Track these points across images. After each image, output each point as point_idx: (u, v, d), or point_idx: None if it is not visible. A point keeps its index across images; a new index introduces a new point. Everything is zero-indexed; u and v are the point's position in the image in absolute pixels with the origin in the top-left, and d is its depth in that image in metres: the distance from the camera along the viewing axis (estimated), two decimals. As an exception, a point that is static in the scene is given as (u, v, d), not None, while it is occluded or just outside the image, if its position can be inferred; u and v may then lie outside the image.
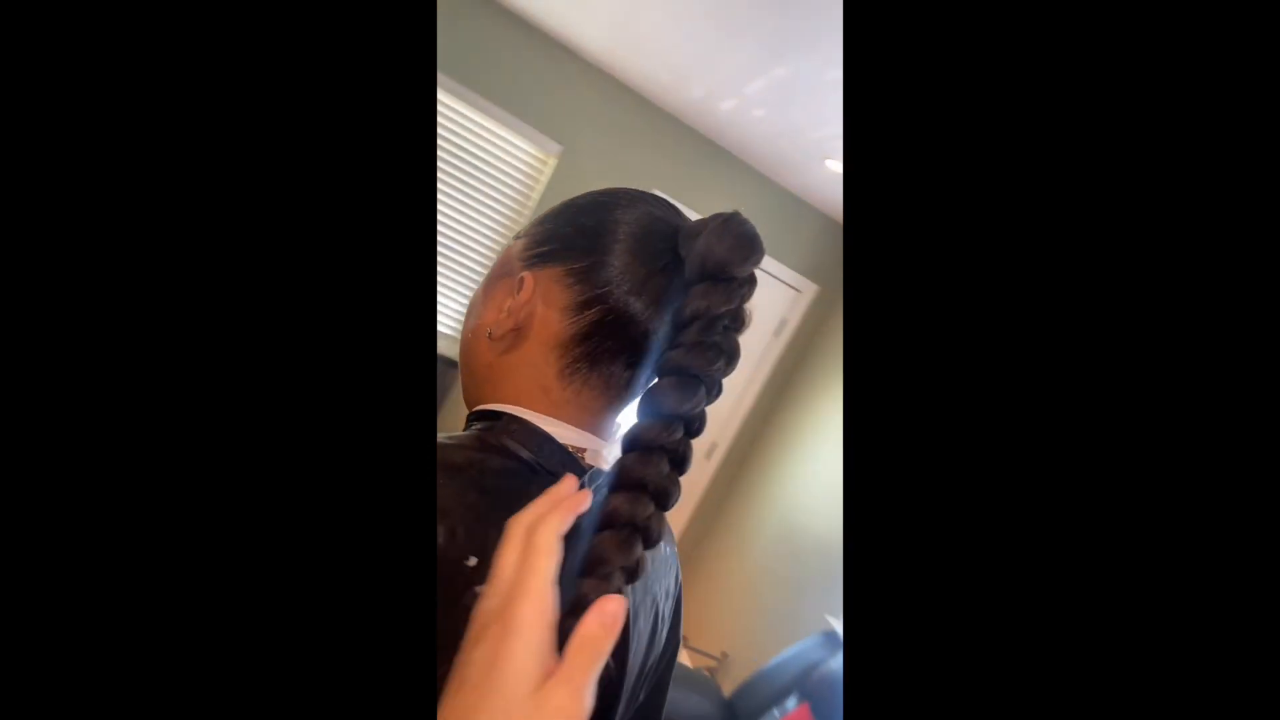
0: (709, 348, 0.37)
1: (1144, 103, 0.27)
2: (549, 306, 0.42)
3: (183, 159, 0.26)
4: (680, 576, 0.52)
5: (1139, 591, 0.26)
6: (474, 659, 0.28)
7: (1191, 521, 0.25)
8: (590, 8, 1.98)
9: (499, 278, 0.46)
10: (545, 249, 0.43)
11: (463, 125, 2.41)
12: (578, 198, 0.46)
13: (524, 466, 0.40)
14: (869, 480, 0.29)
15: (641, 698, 0.48)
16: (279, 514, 0.27)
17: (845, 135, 0.31)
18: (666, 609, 0.48)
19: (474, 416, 0.44)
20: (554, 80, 2.39)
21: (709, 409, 0.40)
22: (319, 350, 0.27)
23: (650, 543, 0.36)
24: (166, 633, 0.26)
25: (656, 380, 0.38)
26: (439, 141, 2.37)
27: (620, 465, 0.36)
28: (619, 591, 0.33)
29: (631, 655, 0.42)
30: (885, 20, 0.30)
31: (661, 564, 0.48)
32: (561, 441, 0.42)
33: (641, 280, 0.41)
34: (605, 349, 0.42)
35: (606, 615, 0.29)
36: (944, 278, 0.29)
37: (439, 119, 2.37)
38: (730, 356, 0.38)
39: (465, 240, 2.50)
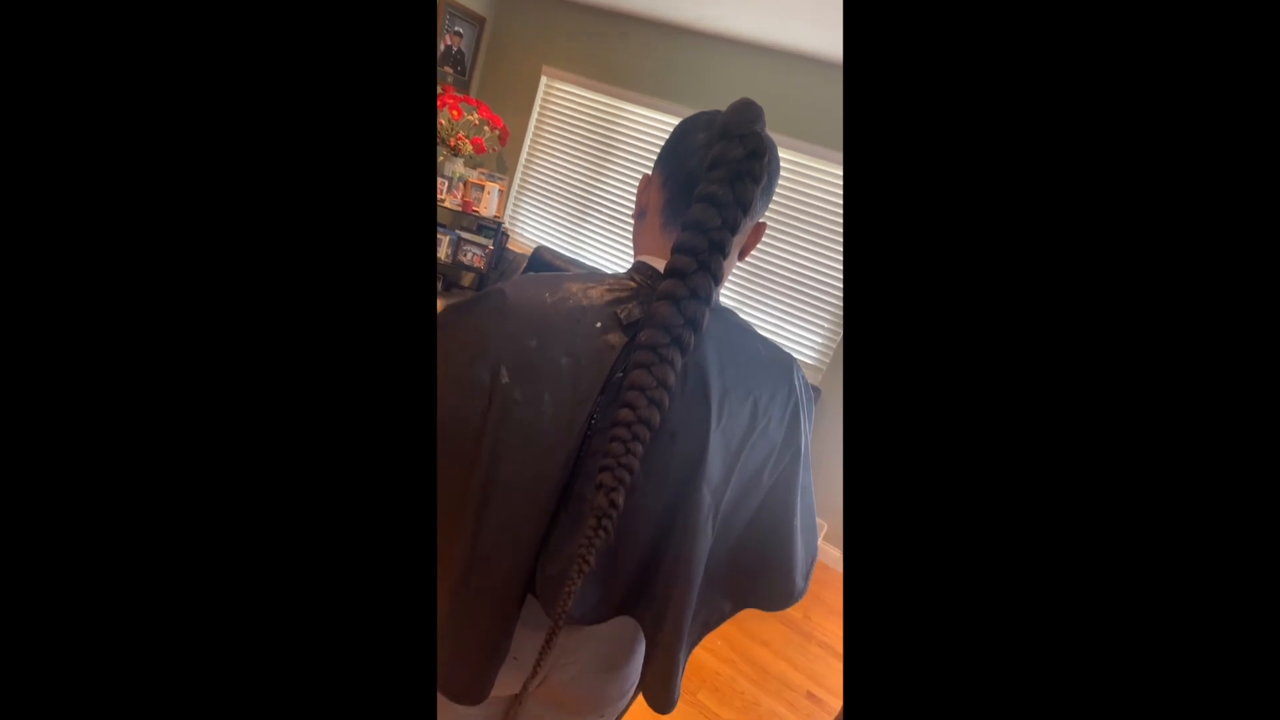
0: (721, 180, 0.57)
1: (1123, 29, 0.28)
2: (654, 189, 0.67)
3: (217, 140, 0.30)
4: (802, 398, 0.67)
5: (1137, 582, 0.27)
6: None
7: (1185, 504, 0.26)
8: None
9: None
10: (658, 156, 0.68)
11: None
12: None
13: (638, 289, 0.64)
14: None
15: (732, 494, 0.64)
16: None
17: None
18: (773, 408, 0.64)
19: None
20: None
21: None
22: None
23: (699, 300, 0.57)
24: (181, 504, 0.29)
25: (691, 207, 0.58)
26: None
27: (674, 248, 0.58)
28: (667, 333, 0.56)
29: (679, 416, 0.59)
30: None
31: (753, 362, 0.64)
32: (660, 270, 0.64)
33: (696, 159, 0.61)
34: (679, 207, 0.63)
35: None
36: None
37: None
38: (740, 196, 0.57)
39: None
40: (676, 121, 3.01)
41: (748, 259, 2.87)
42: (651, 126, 3.25)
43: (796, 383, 0.67)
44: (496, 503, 0.60)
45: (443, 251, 3.31)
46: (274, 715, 0.30)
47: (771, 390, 0.64)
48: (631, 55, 3.23)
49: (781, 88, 2.84)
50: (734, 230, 0.58)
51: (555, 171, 3.55)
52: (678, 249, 0.58)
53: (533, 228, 3.67)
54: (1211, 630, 0.26)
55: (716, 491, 0.62)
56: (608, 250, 3.44)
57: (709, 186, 0.57)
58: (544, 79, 3.49)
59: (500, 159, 3.61)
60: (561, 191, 3.55)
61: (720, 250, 0.58)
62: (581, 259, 3.46)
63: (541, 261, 3.34)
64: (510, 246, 3.59)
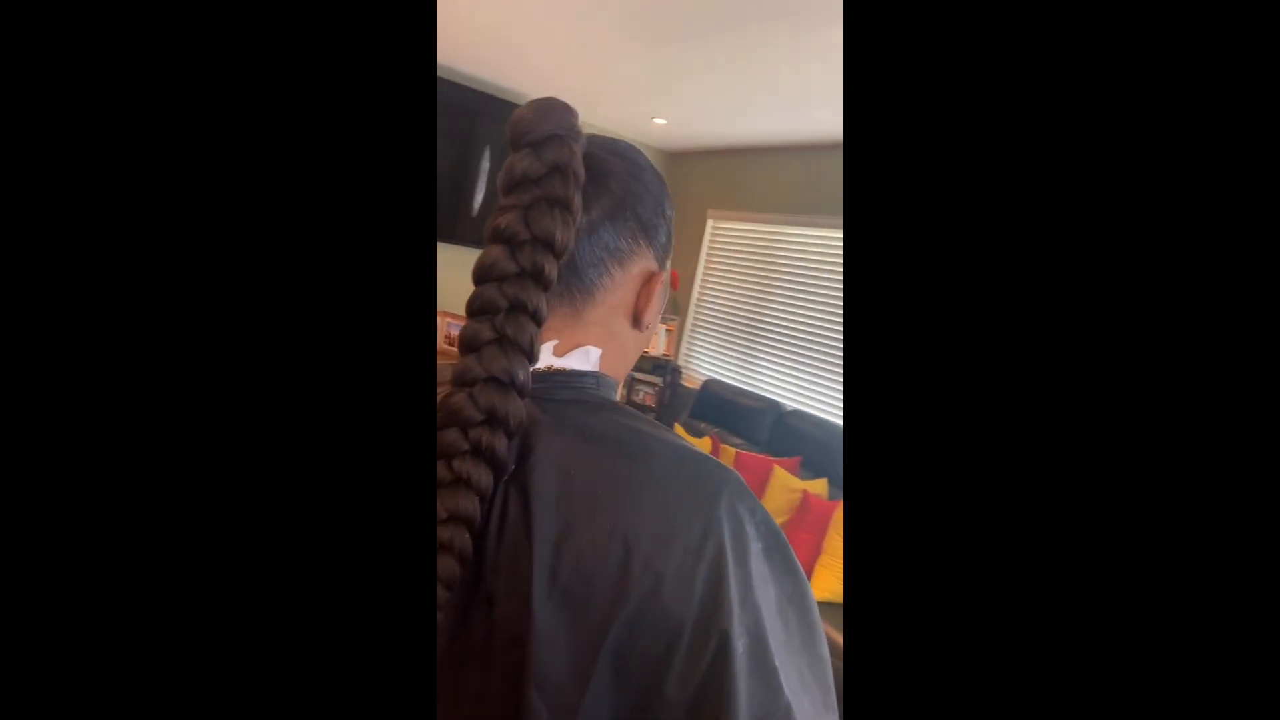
0: (512, 208, 0.39)
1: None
2: None
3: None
4: (741, 544, 0.38)
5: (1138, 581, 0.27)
6: None
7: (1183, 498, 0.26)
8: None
9: None
10: None
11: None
12: None
13: None
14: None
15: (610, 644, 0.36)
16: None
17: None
18: (666, 558, 0.36)
19: None
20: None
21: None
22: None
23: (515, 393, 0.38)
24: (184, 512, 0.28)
25: None
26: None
27: (466, 308, 0.40)
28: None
29: (502, 559, 0.38)
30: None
31: (630, 481, 0.38)
32: None
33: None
34: None
35: None
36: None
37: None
38: (538, 229, 0.38)
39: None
40: (831, 235, 3.13)
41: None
42: (809, 245, 3.11)
43: (722, 518, 0.37)
44: None
45: (619, 393, 3.46)
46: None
47: (663, 529, 0.36)
48: (789, 181, 3.21)
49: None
50: (540, 280, 0.38)
51: (723, 305, 3.56)
52: (468, 310, 0.40)
53: (707, 362, 3.66)
54: (1211, 666, 0.26)
55: (561, 709, 0.35)
56: (779, 376, 3.22)
57: (495, 218, 0.39)
58: (710, 221, 3.64)
59: (674, 301, 3.77)
60: (730, 323, 3.51)
61: (525, 310, 0.38)
62: (753, 388, 3.28)
63: (710, 394, 3.26)
64: (684, 382, 3.60)
